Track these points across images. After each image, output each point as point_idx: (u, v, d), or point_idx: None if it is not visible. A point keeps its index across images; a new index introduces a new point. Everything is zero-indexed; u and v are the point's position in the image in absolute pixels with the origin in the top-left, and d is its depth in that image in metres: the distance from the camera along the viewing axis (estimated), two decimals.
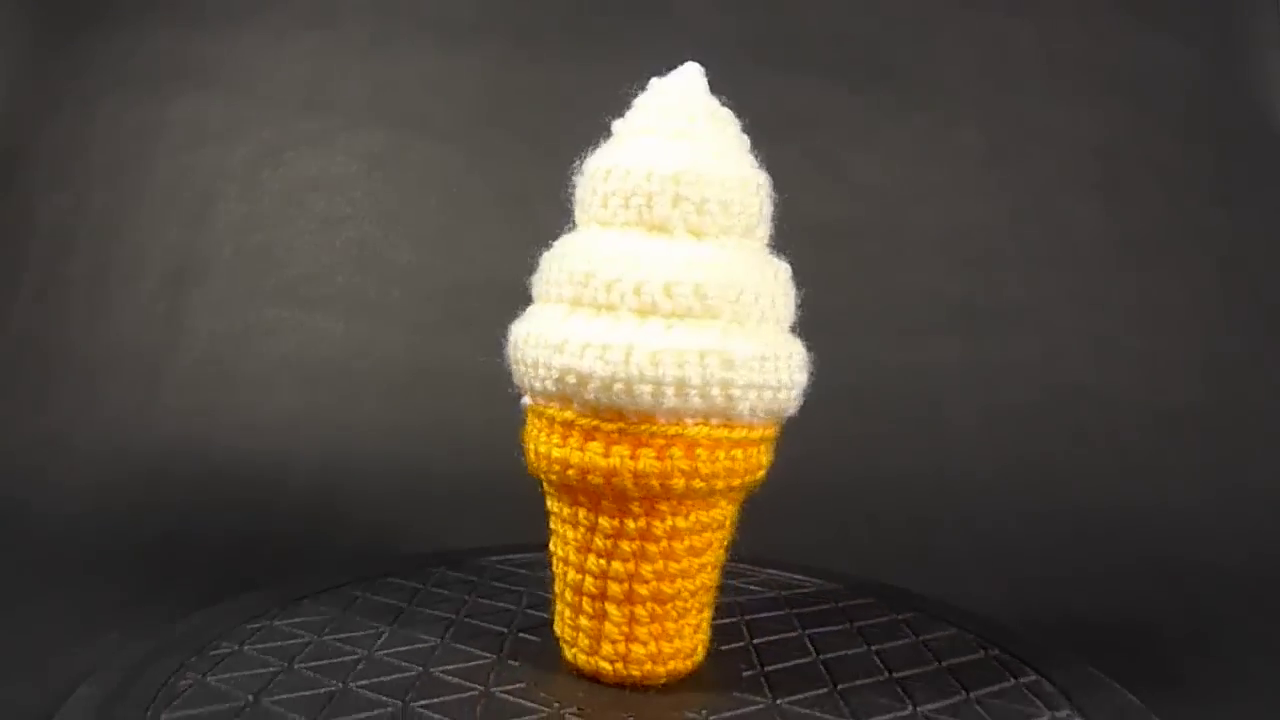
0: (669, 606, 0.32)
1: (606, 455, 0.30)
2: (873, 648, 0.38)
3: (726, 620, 0.39)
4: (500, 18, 0.84)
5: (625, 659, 0.33)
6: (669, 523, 0.31)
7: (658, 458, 0.30)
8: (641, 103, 0.33)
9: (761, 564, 0.50)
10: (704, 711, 0.31)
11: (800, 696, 0.33)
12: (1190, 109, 0.83)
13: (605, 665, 0.33)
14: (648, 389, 0.29)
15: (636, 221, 0.31)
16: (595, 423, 0.30)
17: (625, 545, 0.31)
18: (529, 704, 0.31)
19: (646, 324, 0.29)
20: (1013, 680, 0.36)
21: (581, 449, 0.30)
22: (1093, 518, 0.67)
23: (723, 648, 0.37)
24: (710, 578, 0.34)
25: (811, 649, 0.38)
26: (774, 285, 0.32)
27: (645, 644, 0.32)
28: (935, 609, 0.44)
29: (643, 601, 0.32)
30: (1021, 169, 0.82)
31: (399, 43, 0.84)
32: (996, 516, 0.67)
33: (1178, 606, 0.54)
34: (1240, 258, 0.80)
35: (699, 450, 0.30)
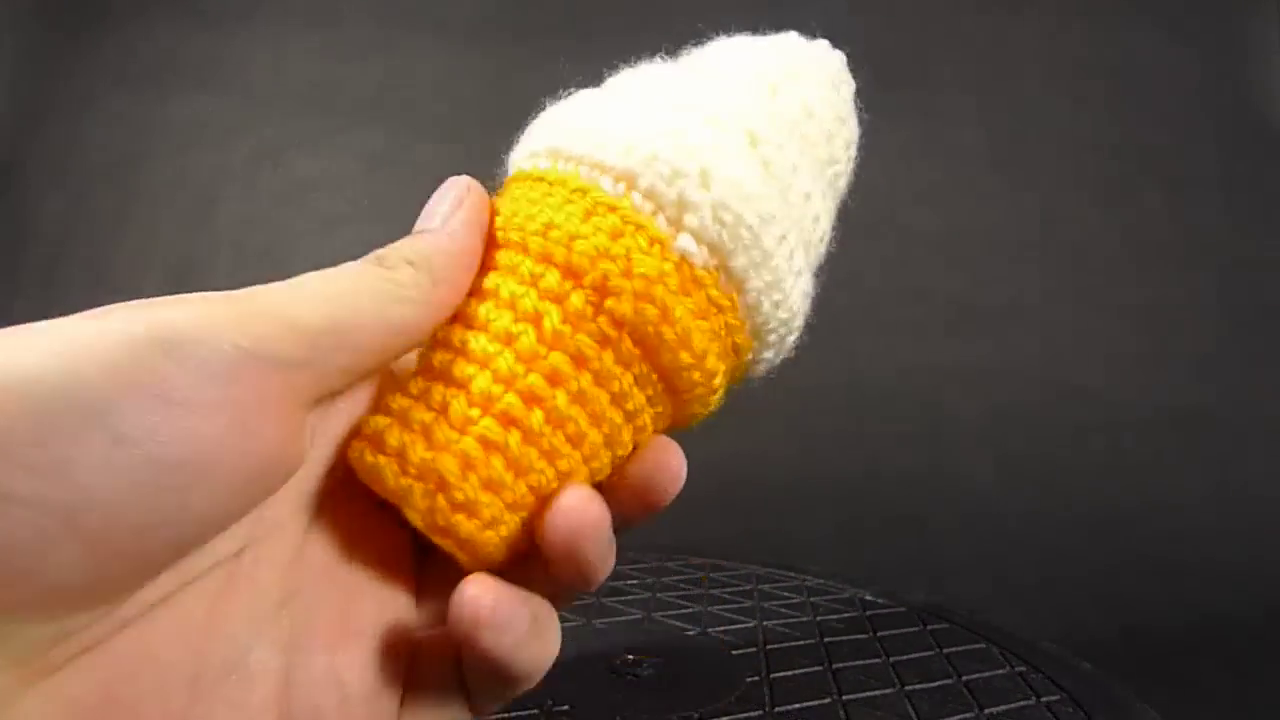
0: (455, 413, 0.18)
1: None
2: (891, 659, 0.38)
3: (744, 625, 0.38)
4: (500, 18, 0.84)
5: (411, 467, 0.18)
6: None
7: None
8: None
9: (787, 568, 0.49)
10: (697, 714, 0.31)
11: (801, 706, 0.33)
12: (1190, 109, 0.83)
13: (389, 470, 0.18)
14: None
15: None
16: None
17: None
18: (519, 699, 0.31)
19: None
20: (1007, 669, 0.36)
21: None
22: (1093, 517, 0.67)
23: (734, 653, 0.37)
24: (527, 411, 0.19)
25: (825, 656, 0.37)
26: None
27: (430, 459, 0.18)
28: (960, 619, 0.43)
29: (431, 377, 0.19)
30: (1022, 169, 0.82)
31: (399, 43, 0.84)
32: (996, 515, 0.67)
33: (1178, 606, 0.54)
34: (1240, 258, 0.80)
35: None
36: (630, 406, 0.20)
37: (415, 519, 0.18)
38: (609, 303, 0.19)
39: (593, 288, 0.19)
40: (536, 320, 0.19)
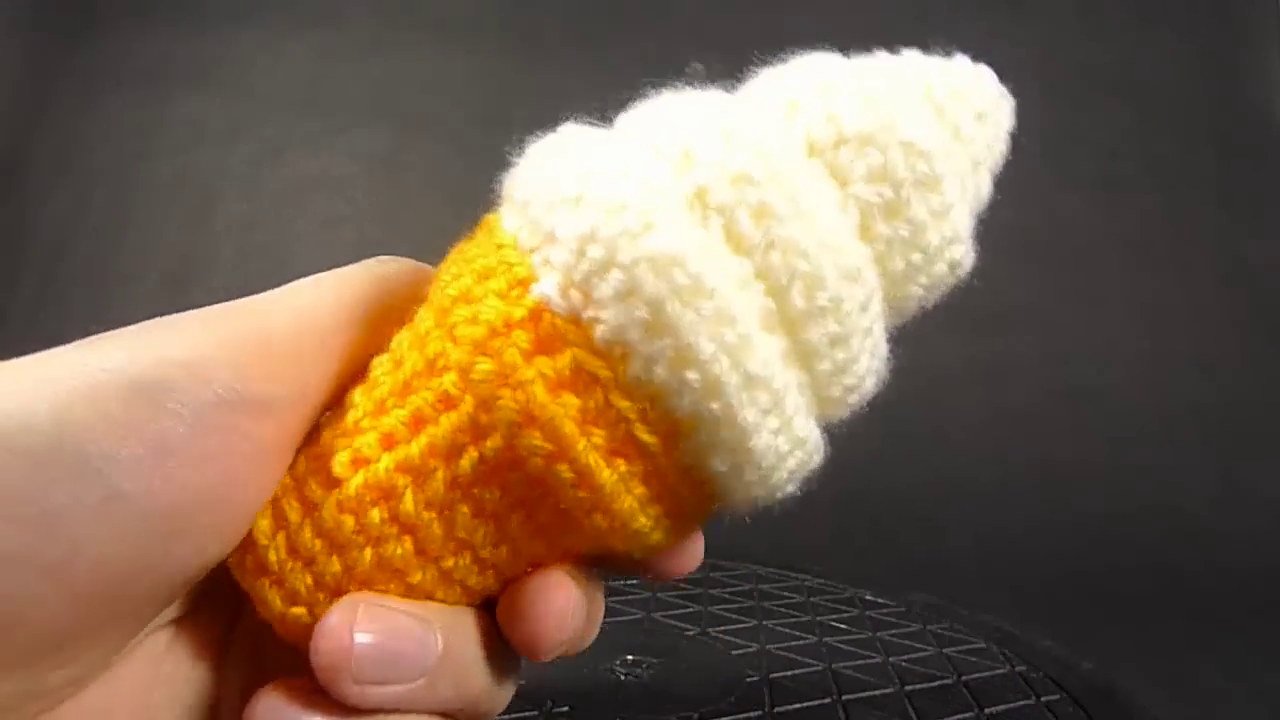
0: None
1: None
2: (891, 659, 0.38)
3: (744, 625, 0.38)
4: (500, 18, 0.84)
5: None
6: None
7: None
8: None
9: (787, 568, 0.49)
10: (696, 715, 0.31)
11: (801, 706, 0.33)
12: (1190, 109, 0.83)
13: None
14: None
15: None
16: None
17: None
18: (519, 699, 0.31)
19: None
20: (1007, 669, 0.36)
21: None
22: (1093, 517, 0.67)
23: (734, 653, 0.37)
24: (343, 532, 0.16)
25: (825, 656, 0.37)
26: None
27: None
28: (960, 619, 0.43)
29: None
30: (1022, 169, 0.82)
31: (399, 43, 0.84)
32: (997, 516, 0.67)
33: (1178, 607, 0.54)
34: (1240, 258, 0.80)
35: None
36: (481, 494, 0.16)
37: (234, 573, 0.16)
38: (454, 356, 0.15)
39: (450, 339, 0.15)
40: (395, 369, 0.16)
